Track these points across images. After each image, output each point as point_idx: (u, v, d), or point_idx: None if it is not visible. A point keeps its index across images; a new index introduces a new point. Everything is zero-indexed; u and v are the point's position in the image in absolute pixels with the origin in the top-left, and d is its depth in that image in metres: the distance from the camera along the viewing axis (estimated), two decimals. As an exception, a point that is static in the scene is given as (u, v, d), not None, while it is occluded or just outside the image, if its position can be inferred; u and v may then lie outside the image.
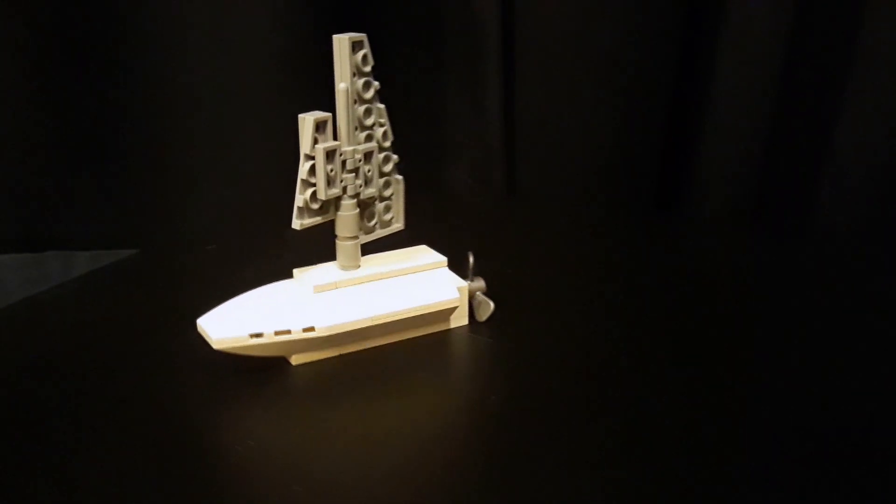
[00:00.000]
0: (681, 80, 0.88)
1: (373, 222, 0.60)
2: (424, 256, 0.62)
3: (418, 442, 0.48)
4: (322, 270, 0.58)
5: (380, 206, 0.59)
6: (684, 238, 0.85)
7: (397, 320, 0.57)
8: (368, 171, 0.57)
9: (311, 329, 0.54)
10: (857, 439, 0.48)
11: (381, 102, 0.57)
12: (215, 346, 0.52)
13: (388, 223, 0.61)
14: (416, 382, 0.55)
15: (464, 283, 0.61)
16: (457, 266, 0.62)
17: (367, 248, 0.60)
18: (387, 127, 0.58)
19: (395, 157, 0.59)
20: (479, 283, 0.62)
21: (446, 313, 0.60)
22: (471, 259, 0.61)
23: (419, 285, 0.59)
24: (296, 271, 0.58)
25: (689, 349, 0.59)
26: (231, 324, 0.53)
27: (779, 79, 0.84)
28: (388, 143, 0.59)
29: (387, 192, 0.60)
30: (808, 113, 0.82)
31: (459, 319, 0.61)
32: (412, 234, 0.61)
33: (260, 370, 0.54)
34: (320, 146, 0.53)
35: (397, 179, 0.60)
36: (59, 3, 0.75)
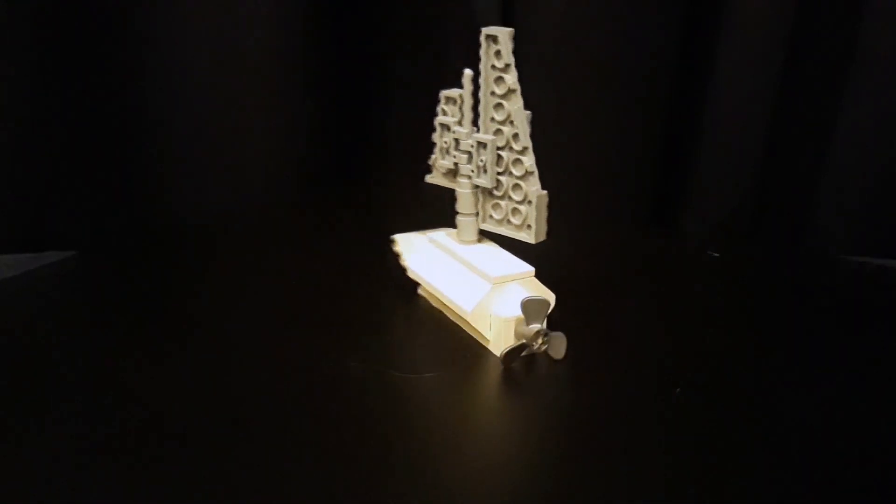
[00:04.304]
0: (681, 85, 0.86)
1: (500, 216, 0.59)
2: (500, 267, 0.58)
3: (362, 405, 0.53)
4: (447, 233, 0.65)
5: (507, 204, 0.58)
6: (684, 247, 0.85)
7: (437, 298, 0.61)
8: (482, 160, 0.57)
9: (405, 262, 0.65)
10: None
11: (524, 105, 0.56)
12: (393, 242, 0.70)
13: (517, 228, 0.58)
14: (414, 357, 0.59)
15: (496, 313, 0.55)
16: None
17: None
18: (518, 130, 0.56)
19: (527, 164, 0.56)
20: (528, 330, 0.54)
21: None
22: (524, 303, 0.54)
23: (461, 283, 0.59)
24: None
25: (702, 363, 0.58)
26: (406, 237, 0.69)
27: (778, 82, 0.83)
28: (518, 147, 0.56)
29: (515, 195, 0.57)
30: (808, 119, 0.82)
31: (494, 347, 0.56)
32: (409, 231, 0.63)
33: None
34: (439, 118, 0.59)
35: (534, 191, 0.56)
36: (57, 3, 0.77)
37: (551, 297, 0.59)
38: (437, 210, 0.68)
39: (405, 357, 0.57)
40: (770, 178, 0.85)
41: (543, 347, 0.56)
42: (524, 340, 0.55)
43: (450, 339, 0.60)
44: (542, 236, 0.59)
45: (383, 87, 0.77)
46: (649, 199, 0.90)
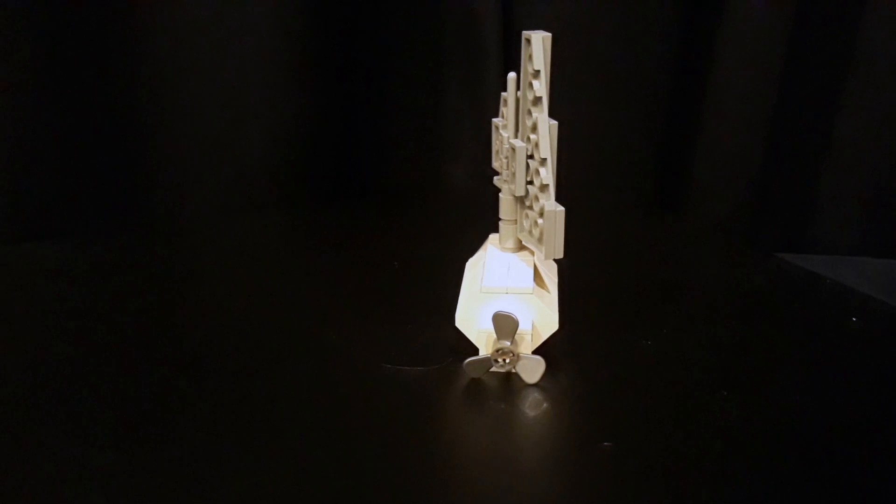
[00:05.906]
0: (680, 82, 0.85)
1: (528, 226, 0.56)
2: (498, 278, 0.57)
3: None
4: (495, 238, 0.63)
5: (532, 214, 0.55)
6: (683, 242, 0.83)
7: None
8: (513, 167, 0.55)
9: None
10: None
11: (547, 114, 0.54)
12: None
13: (537, 241, 0.55)
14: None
15: (479, 323, 0.54)
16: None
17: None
18: (539, 140, 0.52)
19: (543, 177, 0.52)
20: (501, 345, 0.52)
21: None
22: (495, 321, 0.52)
23: (468, 288, 0.59)
24: None
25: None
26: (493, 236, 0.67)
27: (778, 82, 0.82)
28: (537, 157, 0.53)
29: (535, 207, 0.54)
30: (808, 119, 0.82)
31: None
32: (409, 231, 0.64)
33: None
34: (494, 119, 0.58)
35: (547, 206, 0.52)
36: (56, 3, 0.77)
37: (552, 318, 0.55)
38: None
39: (402, 351, 0.59)
40: (770, 178, 0.84)
41: (510, 368, 0.54)
42: (488, 355, 0.53)
43: (457, 339, 0.59)
44: (557, 254, 0.55)
45: (384, 86, 0.73)
46: (649, 199, 0.88)
